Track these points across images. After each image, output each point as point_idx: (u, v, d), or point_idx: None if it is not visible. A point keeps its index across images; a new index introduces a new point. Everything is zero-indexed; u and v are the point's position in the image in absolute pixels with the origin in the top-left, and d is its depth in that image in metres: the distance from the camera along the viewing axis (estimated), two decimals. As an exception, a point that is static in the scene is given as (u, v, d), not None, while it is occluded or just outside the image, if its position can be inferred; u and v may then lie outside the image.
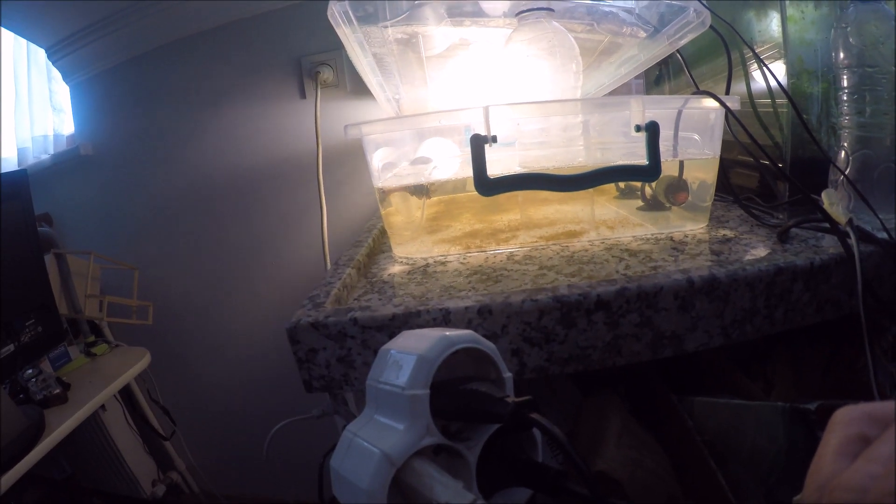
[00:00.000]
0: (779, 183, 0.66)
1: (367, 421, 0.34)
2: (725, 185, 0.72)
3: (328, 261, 1.19)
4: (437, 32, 0.76)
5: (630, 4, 0.67)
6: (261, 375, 1.52)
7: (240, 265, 1.43)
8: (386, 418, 0.33)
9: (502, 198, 0.59)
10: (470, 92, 0.94)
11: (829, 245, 0.54)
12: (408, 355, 0.33)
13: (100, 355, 1.32)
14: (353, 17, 0.66)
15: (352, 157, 1.27)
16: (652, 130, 0.54)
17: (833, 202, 0.54)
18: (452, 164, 0.79)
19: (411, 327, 0.41)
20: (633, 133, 0.54)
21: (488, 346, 0.34)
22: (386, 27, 0.71)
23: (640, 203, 0.68)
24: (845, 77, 0.58)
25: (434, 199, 0.66)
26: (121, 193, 1.50)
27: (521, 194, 0.63)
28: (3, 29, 1.50)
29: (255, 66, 1.30)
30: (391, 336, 0.42)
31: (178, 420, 1.49)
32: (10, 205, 1.10)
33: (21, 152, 1.68)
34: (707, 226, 0.65)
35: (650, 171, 0.55)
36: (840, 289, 0.51)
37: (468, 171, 0.56)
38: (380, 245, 0.72)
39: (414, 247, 0.64)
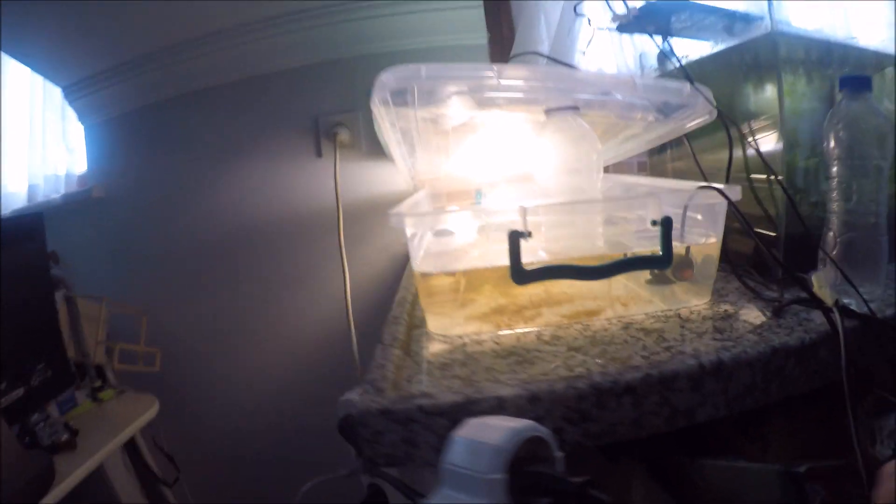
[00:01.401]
0: (769, 257, 0.79)
1: (445, 500, 0.44)
2: (723, 254, 0.84)
3: (352, 323, 1.28)
4: (459, 112, 0.88)
5: (641, 98, 0.80)
6: (268, 427, 1.60)
7: (251, 317, 1.53)
8: (466, 497, 0.43)
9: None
10: (482, 160, 1.07)
11: (818, 319, 0.66)
12: (484, 444, 0.43)
13: (106, 401, 1.39)
14: (390, 101, 0.77)
15: (367, 216, 1.39)
16: (666, 225, 0.67)
17: (822, 285, 0.67)
18: (471, 235, 0.91)
19: (470, 413, 0.52)
20: (650, 227, 0.67)
21: (546, 432, 0.45)
22: (417, 110, 0.83)
23: (648, 276, 0.80)
24: (835, 167, 0.71)
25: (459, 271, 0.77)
26: (131, 238, 1.60)
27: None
28: (19, 64, 1.59)
29: (271, 123, 1.42)
30: (452, 420, 0.52)
31: (181, 466, 1.55)
32: (25, 247, 1.17)
33: (31, 189, 1.75)
34: (710, 300, 0.77)
35: (664, 260, 0.67)
36: (828, 359, 0.63)
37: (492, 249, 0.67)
38: (413, 319, 0.83)
39: (447, 322, 0.75)
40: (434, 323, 0.76)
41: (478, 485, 0.42)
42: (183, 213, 1.53)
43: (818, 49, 0.79)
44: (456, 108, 0.80)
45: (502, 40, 1.25)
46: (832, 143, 0.70)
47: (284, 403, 1.55)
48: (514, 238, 0.64)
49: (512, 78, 0.69)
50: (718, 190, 0.69)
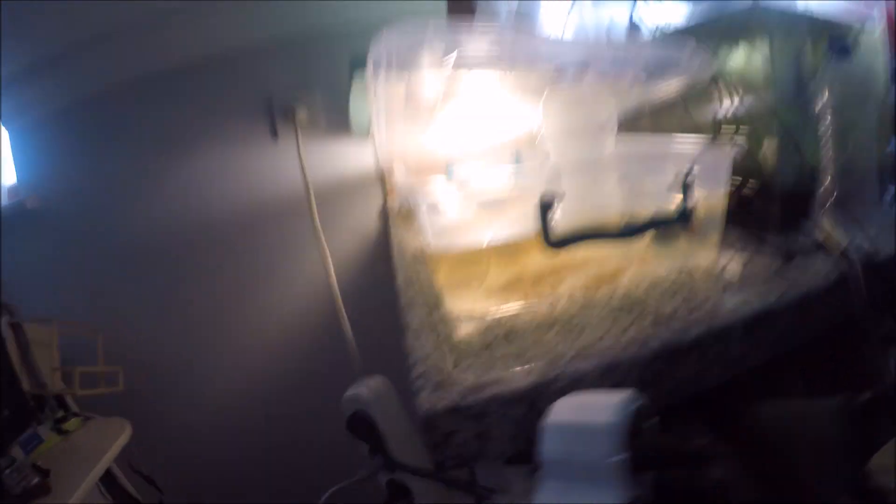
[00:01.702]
0: (770, 206, 0.81)
1: (562, 492, 0.41)
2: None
3: (343, 312, 1.21)
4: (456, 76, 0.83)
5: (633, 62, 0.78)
6: (256, 430, 1.52)
7: (221, 317, 1.44)
8: (584, 486, 0.40)
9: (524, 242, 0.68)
10: (456, 133, 1.03)
11: (821, 261, 0.68)
12: (592, 425, 0.40)
13: (72, 431, 1.27)
14: (391, 65, 0.71)
15: (334, 196, 1.32)
16: (687, 184, 0.67)
17: (832, 229, 0.69)
18: (461, 208, 0.88)
19: (549, 393, 0.49)
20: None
21: (645, 400, 0.43)
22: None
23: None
24: (829, 122, 0.73)
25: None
26: (74, 249, 1.46)
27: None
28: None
29: (220, 108, 1.32)
30: (530, 405, 0.49)
31: (163, 486, 1.45)
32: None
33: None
34: (717, 252, 0.78)
35: (685, 217, 0.68)
36: (843, 296, 0.65)
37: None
38: (428, 300, 0.78)
39: (468, 299, 0.71)
40: (456, 302, 0.72)
41: (597, 470, 0.39)
42: (130, 215, 1.40)
43: (788, 18, 0.81)
44: (453, 71, 0.75)
45: (460, 6, 1.20)
46: (824, 102, 0.73)
47: (271, 403, 1.47)
48: (546, 204, 0.62)
49: (522, 40, 0.66)
50: (729, 147, 0.70)
